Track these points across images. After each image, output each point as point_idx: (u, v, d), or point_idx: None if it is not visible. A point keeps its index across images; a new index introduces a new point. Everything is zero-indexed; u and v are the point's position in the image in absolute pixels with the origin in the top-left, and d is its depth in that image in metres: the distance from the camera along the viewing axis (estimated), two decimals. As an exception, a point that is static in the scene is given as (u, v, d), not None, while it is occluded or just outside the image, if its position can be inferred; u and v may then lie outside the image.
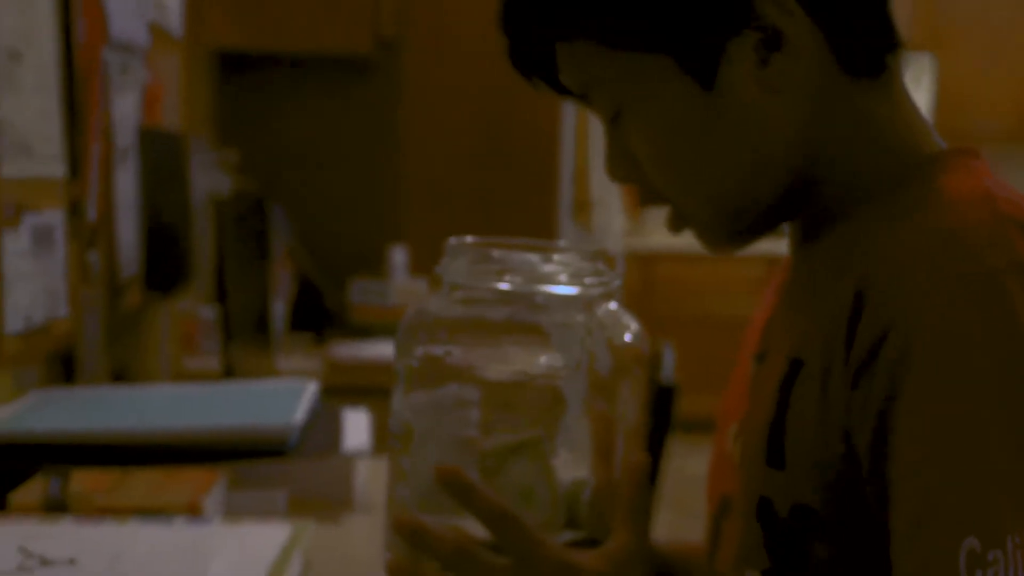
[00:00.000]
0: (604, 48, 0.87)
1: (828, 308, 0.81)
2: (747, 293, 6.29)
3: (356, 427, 1.66)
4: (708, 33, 0.84)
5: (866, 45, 0.86)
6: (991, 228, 0.77)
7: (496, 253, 0.96)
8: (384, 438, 1.63)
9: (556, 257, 0.96)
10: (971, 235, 0.76)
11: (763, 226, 0.91)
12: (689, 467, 5.33)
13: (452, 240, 0.98)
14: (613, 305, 0.99)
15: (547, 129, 3.67)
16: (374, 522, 1.51)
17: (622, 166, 0.92)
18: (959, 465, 0.71)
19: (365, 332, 3.08)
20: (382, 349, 2.88)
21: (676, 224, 0.93)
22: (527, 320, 0.95)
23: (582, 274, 0.95)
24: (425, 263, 3.62)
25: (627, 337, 0.97)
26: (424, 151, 3.65)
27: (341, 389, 2.00)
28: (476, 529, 0.89)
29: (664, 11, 0.84)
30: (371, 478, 1.62)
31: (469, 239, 0.98)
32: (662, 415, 2.47)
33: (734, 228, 0.91)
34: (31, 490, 1.35)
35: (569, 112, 3.77)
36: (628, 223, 6.33)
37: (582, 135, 4.15)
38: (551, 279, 0.95)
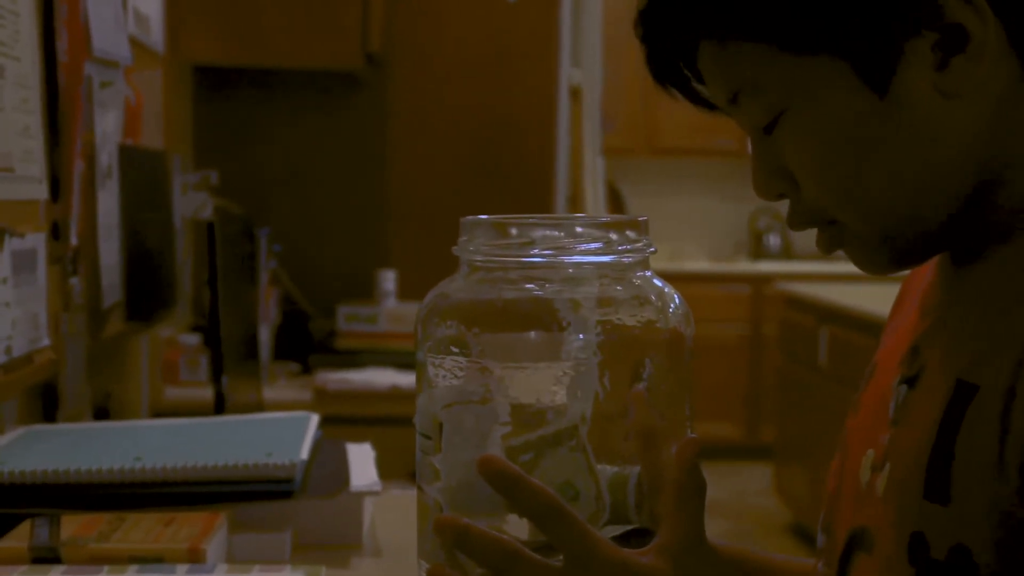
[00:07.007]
0: (766, 49, 0.79)
1: (1013, 329, 0.74)
2: (736, 313, 6.26)
3: (361, 462, 1.57)
4: (887, 33, 0.76)
5: None
6: None
7: (514, 229, 0.89)
8: (385, 473, 1.55)
9: (579, 229, 0.89)
10: None
11: (928, 247, 0.84)
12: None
13: (467, 218, 0.91)
14: (649, 274, 0.91)
15: (541, 152, 3.58)
16: (385, 565, 1.42)
17: (775, 181, 0.85)
18: None
19: (354, 359, 2.99)
20: (373, 377, 2.80)
21: (830, 244, 0.85)
22: (556, 296, 0.87)
23: (612, 242, 0.89)
24: (415, 288, 3.53)
25: (671, 309, 0.90)
26: (413, 173, 3.56)
27: (331, 419, 1.91)
28: (513, 531, 0.83)
29: (839, 7, 0.77)
30: (379, 518, 1.53)
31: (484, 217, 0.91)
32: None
33: (897, 247, 0.83)
34: (17, 537, 1.25)
35: (563, 132, 3.69)
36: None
37: (577, 156, 4.08)
38: (579, 250, 0.88)
